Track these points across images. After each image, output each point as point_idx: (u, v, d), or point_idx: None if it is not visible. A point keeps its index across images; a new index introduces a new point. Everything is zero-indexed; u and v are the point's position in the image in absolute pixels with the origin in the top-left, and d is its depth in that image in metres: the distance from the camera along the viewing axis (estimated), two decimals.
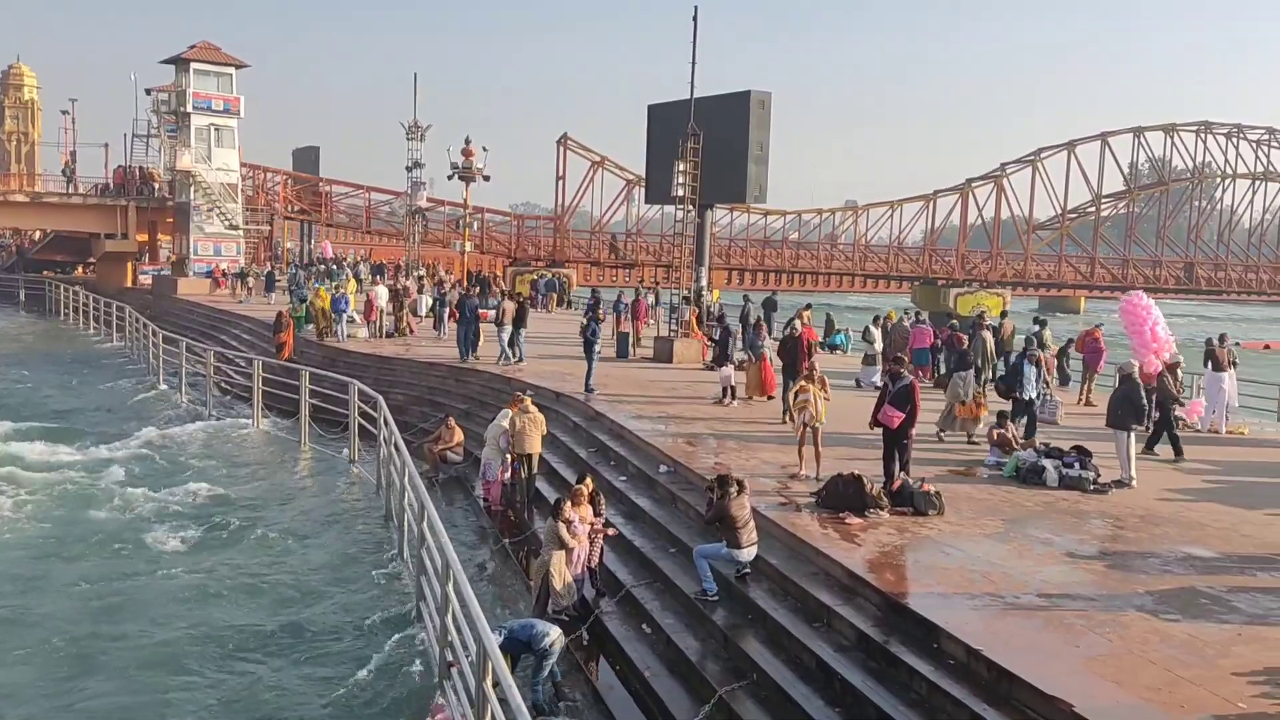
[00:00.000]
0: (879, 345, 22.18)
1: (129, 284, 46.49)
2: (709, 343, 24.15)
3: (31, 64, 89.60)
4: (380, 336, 28.11)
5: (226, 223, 44.50)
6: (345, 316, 27.68)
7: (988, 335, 19.98)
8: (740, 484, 10.15)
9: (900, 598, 8.62)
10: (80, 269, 53.46)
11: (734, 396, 18.71)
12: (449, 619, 8.56)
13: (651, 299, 32.57)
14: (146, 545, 13.90)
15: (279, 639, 10.86)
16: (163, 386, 26.92)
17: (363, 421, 18.41)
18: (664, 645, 9.78)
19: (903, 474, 11.84)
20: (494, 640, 6.98)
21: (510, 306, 23.49)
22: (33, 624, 11.02)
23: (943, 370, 22.86)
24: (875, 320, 23.75)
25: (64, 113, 63.76)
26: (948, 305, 57.93)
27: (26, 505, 15.49)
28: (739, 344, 21.28)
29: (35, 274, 51.97)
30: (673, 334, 25.39)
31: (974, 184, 67.13)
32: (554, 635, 9.03)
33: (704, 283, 29.77)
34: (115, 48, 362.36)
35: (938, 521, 10.94)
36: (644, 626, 10.25)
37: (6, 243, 61.49)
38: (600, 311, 23.38)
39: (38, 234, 55.49)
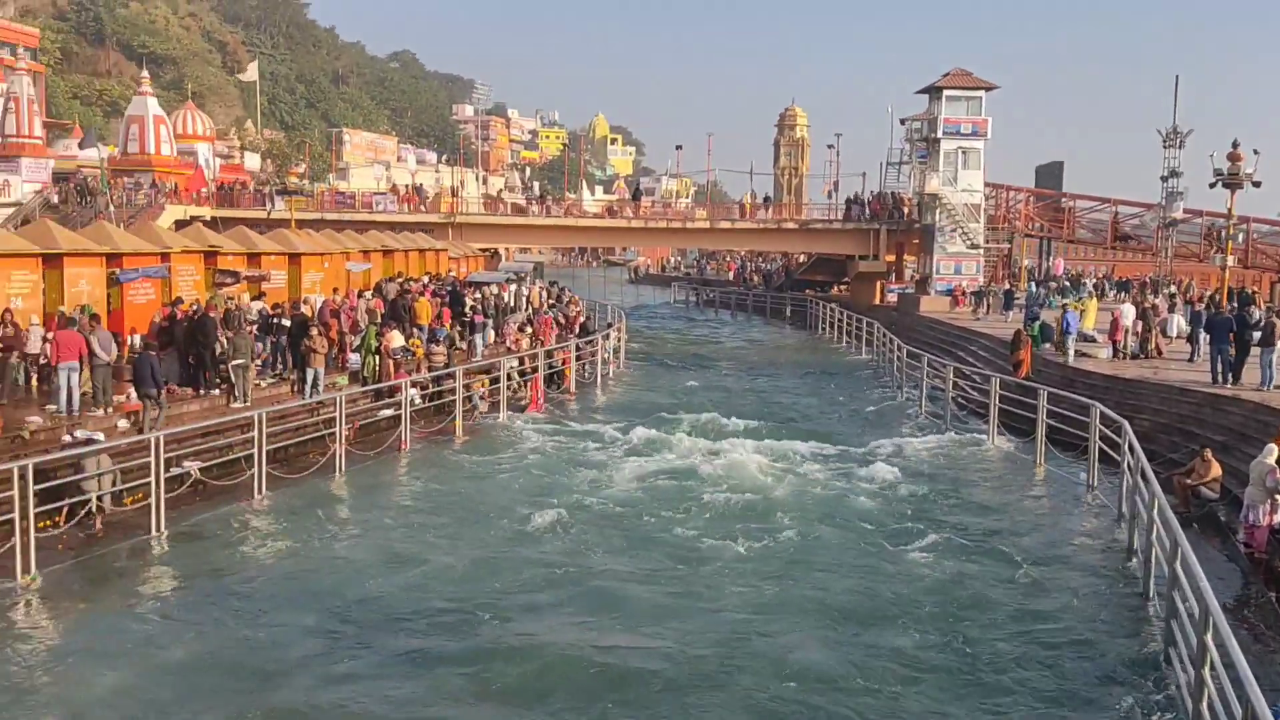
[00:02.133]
0: None
1: (876, 301, 50.13)
2: None
3: (803, 105, 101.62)
4: (1124, 357, 26.51)
5: (968, 242, 45.67)
6: (1073, 336, 26.62)
7: None
8: None
9: None
10: (836, 288, 59.09)
11: None
12: (1205, 671, 7.79)
13: None
14: (884, 546, 14.76)
15: (1007, 659, 10.83)
16: (904, 398, 28.57)
17: (1103, 446, 17.58)
18: None
19: None
20: (1266, 708, 6.18)
21: (1276, 324, 20.55)
22: (798, 607, 12.42)
23: None
24: None
25: (829, 146, 71.06)
26: None
27: (786, 498, 17.32)
28: None
29: (799, 292, 58.67)
30: None
31: None
32: None
33: None
34: (876, 84, 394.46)
35: None
36: None
37: (778, 265, 70.52)
38: None
39: (802, 257, 62.72)
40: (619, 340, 34.30)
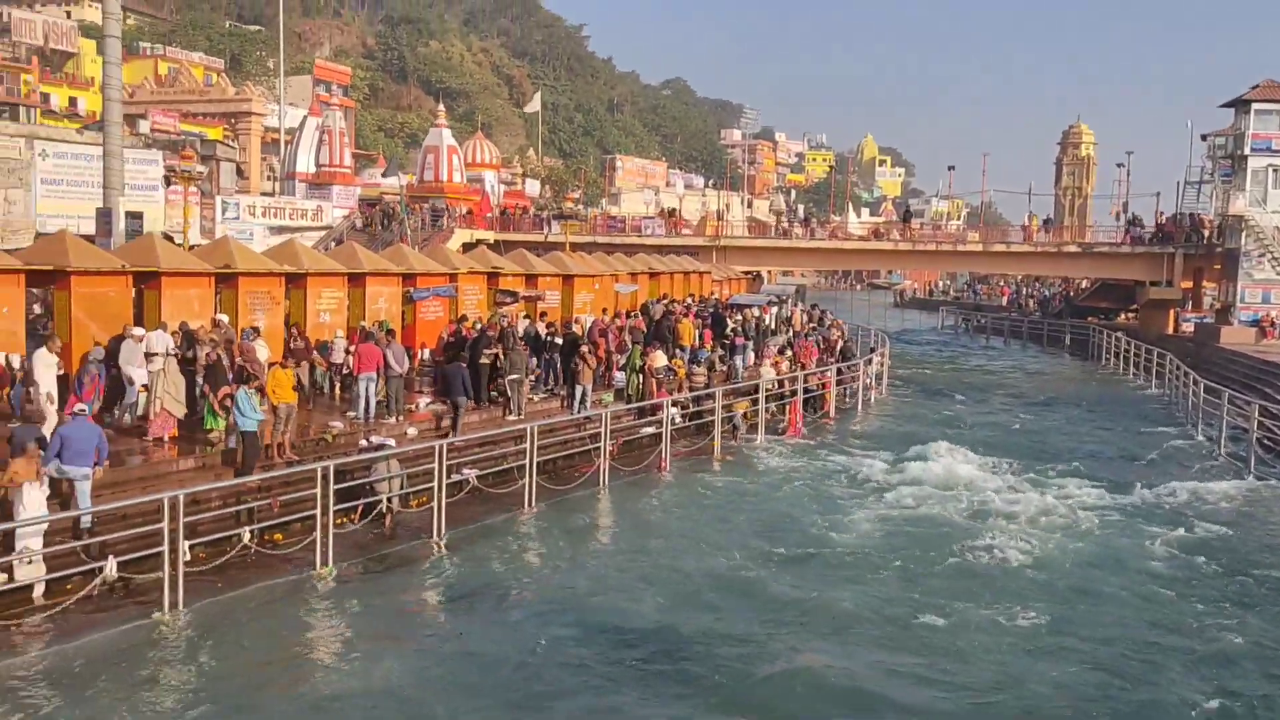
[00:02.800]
0: None
1: (1169, 331, 46.27)
2: None
3: (1090, 122, 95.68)
4: None
5: (1278, 268, 41.38)
6: None
7: None
8: None
9: None
10: (1123, 315, 55.07)
11: None
12: None
13: None
14: (1174, 613, 13.44)
15: None
16: (1199, 438, 26.16)
17: None
18: None
19: None
20: None
21: None
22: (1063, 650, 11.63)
23: None
24: None
25: (1118, 165, 66.65)
26: None
27: (1059, 552, 15.91)
28: None
29: (1080, 320, 55.11)
30: None
31: None
32: None
33: None
34: (1172, 99, 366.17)
35: None
36: None
37: (1056, 290, 66.60)
38: None
39: (1084, 282, 58.90)
40: (882, 366, 33.50)
